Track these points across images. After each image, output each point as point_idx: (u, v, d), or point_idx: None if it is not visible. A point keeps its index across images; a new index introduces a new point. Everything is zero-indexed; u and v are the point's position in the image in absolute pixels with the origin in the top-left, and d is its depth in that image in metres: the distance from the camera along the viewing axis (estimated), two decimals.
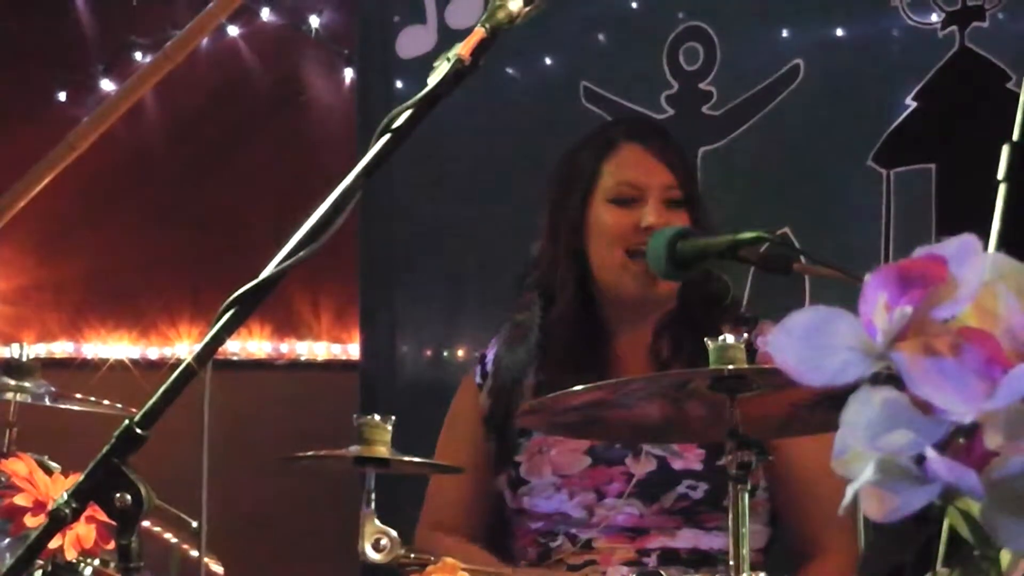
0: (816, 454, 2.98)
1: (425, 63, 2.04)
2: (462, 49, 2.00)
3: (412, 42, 4.40)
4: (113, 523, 1.88)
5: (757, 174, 4.04)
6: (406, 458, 2.61)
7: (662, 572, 2.51)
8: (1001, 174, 1.78)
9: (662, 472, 3.08)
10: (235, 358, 5.27)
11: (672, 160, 3.17)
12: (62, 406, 3.57)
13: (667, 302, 3.14)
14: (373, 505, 2.55)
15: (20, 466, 2.68)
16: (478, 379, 3.28)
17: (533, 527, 3.14)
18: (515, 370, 3.19)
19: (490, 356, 3.28)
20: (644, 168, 3.15)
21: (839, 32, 3.99)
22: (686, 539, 3.06)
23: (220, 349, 1.94)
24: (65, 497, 1.86)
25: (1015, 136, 1.80)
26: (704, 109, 4.09)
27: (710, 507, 3.06)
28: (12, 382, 3.38)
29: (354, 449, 2.55)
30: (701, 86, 4.09)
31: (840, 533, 3.06)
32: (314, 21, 5.37)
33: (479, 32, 2.02)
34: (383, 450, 2.54)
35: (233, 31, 5.42)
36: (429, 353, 4.39)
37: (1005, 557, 1.07)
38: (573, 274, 3.14)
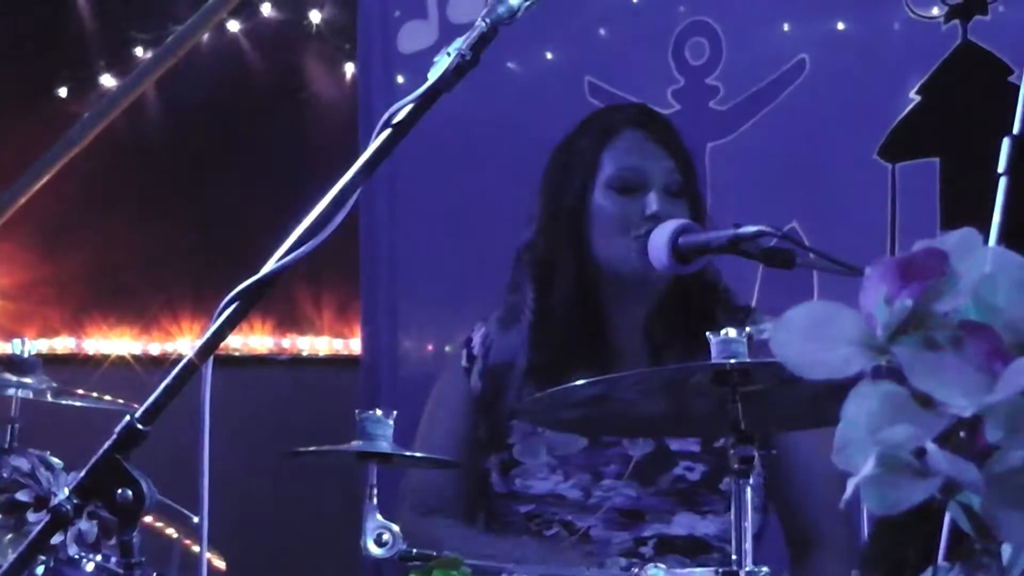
0: (813, 447, 2.98)
1: (426, 58, 2.04)
2: (463, 43, 2.00)
3: (413, 37, 4.40)
4: (115, 519, 1.89)
5: (764, 169, 4.05)
6: (408, 453, 2.61)
7: (663, 567, 2.50)
8: (1001, 167, 1.78)
9: (660, 453, 3.08)
10: (237, 353, 5.26)
11: (672, 146, 3.17)
12: (64, 402, 3.56)
13: (663, 284, 3.13)
14: (375, 500, 2.55)
15: (22, 462, 2.68)
16: (464, 362, 3.27)
17: (523, 511, 3.12)
18: (506, 352, 3.18)
19: (476, 339, 3.26)
20: (645, 154, 3.15)
21: (843, 26, 3.99)
22: (682, 525, 3.06)
23: (222, 345, 1.94)
24: (67, 493, 1.86)
25: (1015, 130, 1.80)
26: (711, 104, 4.09)
27: (707, 490, 3.06)
28: (14, 378, 3.38)
29: (356, 444, 2.55)
30: (707, 81, 4.10)
31: (837, 526, 3.06)
32: (315, 16, 5.37)
33: (480, 26, 2.02)
34: (385, 445, 2.54)
35: (234, 26, 5.41)
36: (431, 348, 4.40)
37: (1006, 551, 1.07)
38: (573, 262, 3.13)
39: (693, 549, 3.05)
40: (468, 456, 3.16)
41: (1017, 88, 1.86)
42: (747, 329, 2.44)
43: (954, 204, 3.78)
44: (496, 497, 3.17)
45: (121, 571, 2.14)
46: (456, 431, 3.20)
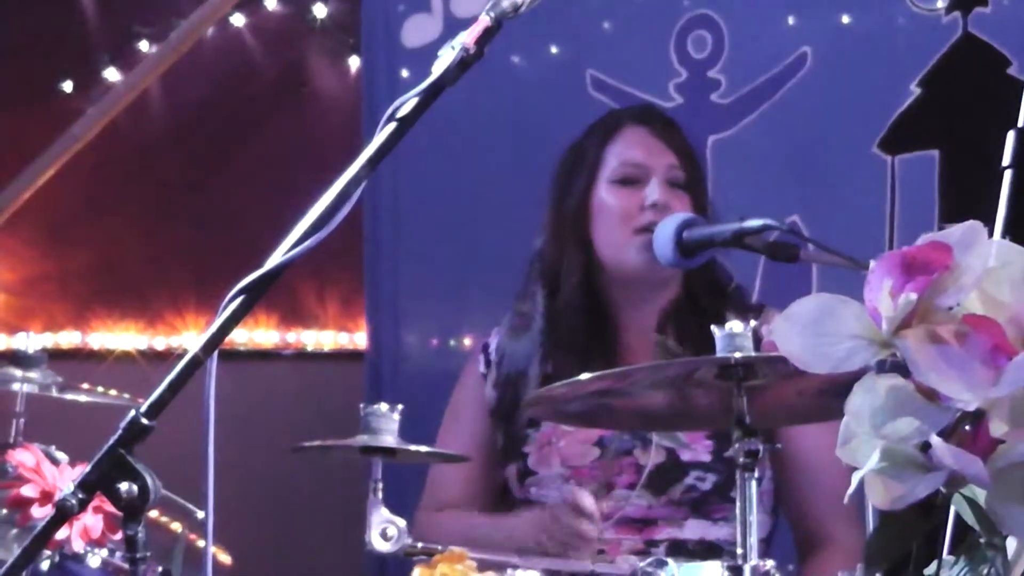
0: (821, 442, 2.98)
1: (430, 52, 2.04)
2: (467, 37, 2.00)
3: (417, 31, 4.40)
4: (120, 513, 1.89)
5: (765, 162, 4.05)
6: (413, 447, 2.61)
7: (669, 560, 2.50)
8: (1006, 161, 1.77)
9: (671, 463, 3.08)
10: (241, 348, 5.26)
11: (675, 142, 3.18)
12: (69, 396, 3.57)
13: (671, 283, 3.14)
14: (380, 494, 2.55)
15: (27, 456, 2.68)
16: (482, 368, 3.27)
17: None
18: (520, 360, 3.18)
19: (493, 345, 3.27)
20: (647, 148, 3.16)
21: (845, 19, 3.99)
22: (693, 530, 3.06)
23: (226, 339, 1.94)
24: (72, 488, 1.86)
25: (1020, 123, 1.80)
26: (713, 97, 4.10)
27: (718, 498, 3.06)
28: (19, 372, 3.39)
29: (361, 438, 2.55)
30: (710, 74, 4.10)
31: (846, 524, 3.05)
32: (319, 10, 5.36)
33: (484, 20, 2.02)
34: (390, 439, 2.54)
35: (238, 20, 5.41)
36: (435, 342, 4.40)
37: (1011, 544, 1.07)
38: (578, 260, 3.14)
39: (705, 553, 3.04)
40: (488, 464, 3.17)
41: (1017, 80, 1.86)
42: (752, 323, 2.44)
43: (953, 197, 3.79)
44: (517, 503, 3.17)
45: (126, 566, 2.14)
46: (475, 439, 3.20)
